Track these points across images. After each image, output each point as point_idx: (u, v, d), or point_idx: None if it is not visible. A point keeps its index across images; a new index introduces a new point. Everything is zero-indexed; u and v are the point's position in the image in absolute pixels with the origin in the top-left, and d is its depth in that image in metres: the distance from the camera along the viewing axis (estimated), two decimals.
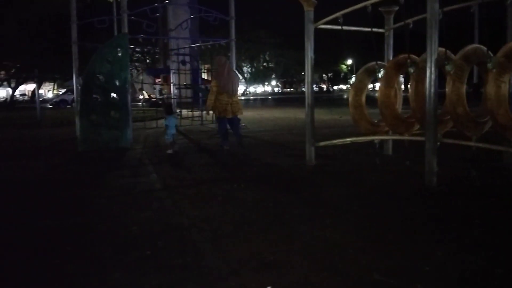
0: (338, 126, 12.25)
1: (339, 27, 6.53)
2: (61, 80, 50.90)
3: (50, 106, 37.10)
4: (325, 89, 75.56)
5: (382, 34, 7.49)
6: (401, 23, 6.76)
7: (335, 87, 78.64)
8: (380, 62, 6.73)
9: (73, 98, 21.13)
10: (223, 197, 5.04)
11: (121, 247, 3.53)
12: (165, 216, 4.38)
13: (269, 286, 2.77)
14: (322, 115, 15.78)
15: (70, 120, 15.13)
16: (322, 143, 6.98)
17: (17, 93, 49.02)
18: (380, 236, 3.65)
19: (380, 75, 6.48)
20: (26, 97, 58.44)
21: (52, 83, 60.05)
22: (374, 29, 6.73)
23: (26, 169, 7.21)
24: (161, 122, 12.60)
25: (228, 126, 8.97)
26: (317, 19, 6.68)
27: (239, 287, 2.78)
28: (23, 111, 27.83)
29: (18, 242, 3.75)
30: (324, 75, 76.20)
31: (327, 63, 58.71)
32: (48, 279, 2.97)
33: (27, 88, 59.70)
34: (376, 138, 6.85)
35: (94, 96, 9.15)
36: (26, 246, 3.62)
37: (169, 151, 8.30)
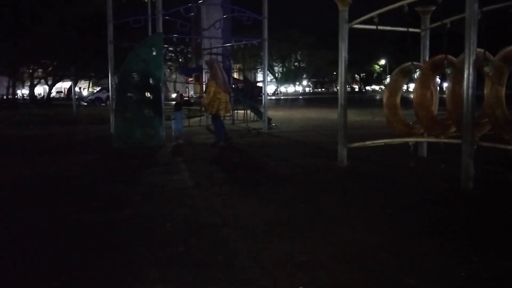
0: (371, 127, 12.10)
1: (374, 27, 6.45)
2: (97, 78, 52.11)
3: (85, 104, 38.01)
4: (357, 90, 74.69)
5: (418, 34, 7.35)
6: (438, 23, 6.62)
7: (368, 88, 77.68)
8: (416, 63, 6.61)
9: (108, 96, 21.63)
10: (254, 196, 5.05)
11: (155, 243, 3.59)
12: (197, 213, 4.43)
13: (301, 286, 2.76)
14: (355, 116, 15.62)
15: (104, 118, 15.47)
16: (354, 144, 6.90)
17: (53, 90, 50.45)
18: (414, 239, 3.59)
19: (415, 76, 6.37)
20: (62, 95, 60.08)
21: (88, 81, 61.56)
22: (410, 29, 6.62)
23: (62, 165, 7.41)
24: (193, 120, 12.77)
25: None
26: (351, 18, 6.62)
27: (271, 287, 2.79)
28: (59, 108, 28.63)
29: (54, 236, 3.85)
30: (356, 75, 75.33)
31: (359, 63, 58.03)
32: (83, 273, 3.05)
33: (63, 85, 61.35)
34: (410, 140, 6.74)
35: (129, 94, 9.33)
36: (62, 241, 3.72)
37: (174, 143, 9.28)
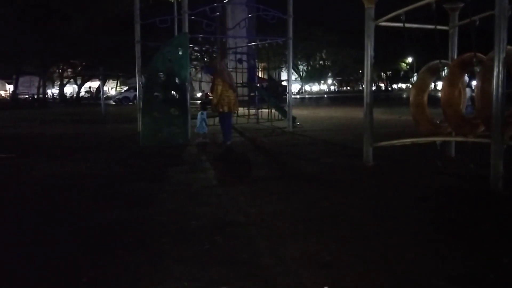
0: (398, 126, 11.94)
1: (401, 25, 6.38)
2: (124, 78, 52.95)
3: (113, 103, 38.68)
4: (383, 88, 73.76)
5: (446, 31, 7.23)
6: (467, 20, 6.49)
7: (394, 86, 76.63)
8: (444, 61, 6.50)
9: (135, 95, 21.90)
10: (279, 195, 5.06)
11: (181, 240, 3.64)
12: (222, 212, 4.46)
13: (326, 286, 2.76)
14: (381, 114, 15.42)
15: (132, 117, 15.71)
16: (380, 144, 6.84)
17: (82, 90, 51.53)
18: (441, 241, 3.54)
19: (443, 74, 6.27)
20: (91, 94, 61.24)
21: (116, 81, 62.61)
22: (438, 27, 6.51)
23: (91, 162, 7.56)
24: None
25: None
26: (377, 16, 6.56)
27: (296, 286, 2.80)
28: (88, 107, 29.21)
29: (83, 233, 3.94)
30: (382, 74, 74.36)
31: (386, 61, 57.19)
32: (111, 269, 3.12)
33: (92, 85, 62.55)
34: (438, 139, 6.63)
35: (156, 93, 9.46)
36: (90, 237, 3.81)
37: (204, 140, 9.69)
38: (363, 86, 7.22)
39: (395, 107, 20.53)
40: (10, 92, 51.53)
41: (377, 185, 5.59)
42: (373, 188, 5.42)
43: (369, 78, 6.76)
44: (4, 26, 26.32)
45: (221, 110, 9.05)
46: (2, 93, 59.76)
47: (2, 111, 25.25)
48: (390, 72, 74.69)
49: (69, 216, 4.45)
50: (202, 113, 9.83)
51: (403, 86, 72.99)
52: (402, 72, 71.96)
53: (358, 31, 7.42)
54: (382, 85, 77.12)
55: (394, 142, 6.97)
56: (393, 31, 7.87)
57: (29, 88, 54.08)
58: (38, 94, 44.18)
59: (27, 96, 49.60)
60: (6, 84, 60.71)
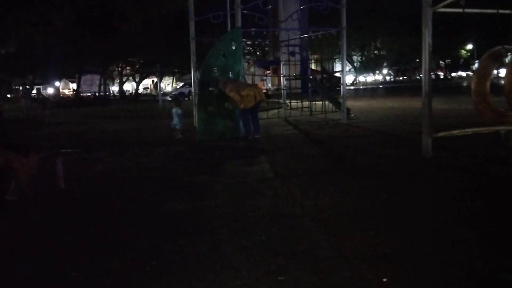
0: (458, 116, 11.47)
1: (460, 10, 6.13)
2: (180, 74, 54.20)
3: (170, 99, 39.72)
4: (442, 77, 70.97)
5: (509, 16, 6.86)
6: None
7: (454, 74, 73.57)
8: (507, 46, 6.19)
9: (190, 91, 22.35)
10: (334, 187, 5.04)
11: (238, 231, 3.71)
12: (278, 204, 4.51)
13: (385, 278, 2.73)
14: (439, 104, 14.86)
15: (188, 112, 16.07)
16: (440, 134, 6.61)
17: (140, 86, 53.31)
18: (508, 235, 3.40)
19: (507, 60, 5.98)
20: (148, 91, 63.20)
21: (171, 77, 64.27)
22: (500, 11, 6.20)
23: (151, 157, 7.83)
24: (271, 112, 12.88)
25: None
26: (435, 2, 6.34)
27: (354, 278, 2.79)
28: (146, 103, 30.13)
29: (146, 224, 4.11)
30: (441, 62, 71.53)
31: (444, 48, 54.96)
32: (174, 258, 3.24)
33: (149, 82, 64.54)
34: (502, 128, 6.34)
35: (210, 88, 9.61)
36: (153, 228, 3.96)
37: (180, 135, 10.05)
38: (421, 75, 7.00)
39: (454, 97, 19.70)
40: (73, 90, 54.11)
41: (436, 177, 5.42)
42: (433, 180, 5.27)
43: (427, 66, 6.55)
44: (67, 27, 27.61)
45: (247, 106, 8.95)
46: (66, 91, 62.95)
47: (67, 109, 26.61)
48: (450, 60, 71.75)
49: (133, 208, 4.65)
50: (176, 109, 10.17)
51: (463, 74, 69.90)
52: (462, 60, 68.92)
53: (415, 18, 7.21)
54: (441, 73, 74.19)
55: (455, 132, 6.72)
56: (452, 17, 7.56)
57: (90, 87, 56.59)
58: (99, 92, 46.18)
59: (89, 94, 51.95)
60: (70, 83, 63.91)
